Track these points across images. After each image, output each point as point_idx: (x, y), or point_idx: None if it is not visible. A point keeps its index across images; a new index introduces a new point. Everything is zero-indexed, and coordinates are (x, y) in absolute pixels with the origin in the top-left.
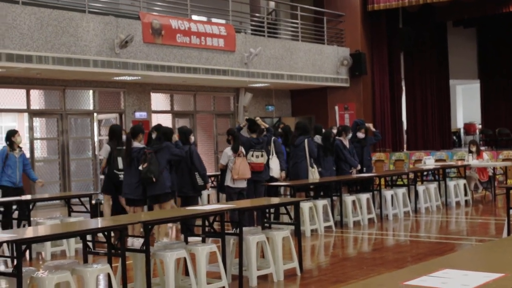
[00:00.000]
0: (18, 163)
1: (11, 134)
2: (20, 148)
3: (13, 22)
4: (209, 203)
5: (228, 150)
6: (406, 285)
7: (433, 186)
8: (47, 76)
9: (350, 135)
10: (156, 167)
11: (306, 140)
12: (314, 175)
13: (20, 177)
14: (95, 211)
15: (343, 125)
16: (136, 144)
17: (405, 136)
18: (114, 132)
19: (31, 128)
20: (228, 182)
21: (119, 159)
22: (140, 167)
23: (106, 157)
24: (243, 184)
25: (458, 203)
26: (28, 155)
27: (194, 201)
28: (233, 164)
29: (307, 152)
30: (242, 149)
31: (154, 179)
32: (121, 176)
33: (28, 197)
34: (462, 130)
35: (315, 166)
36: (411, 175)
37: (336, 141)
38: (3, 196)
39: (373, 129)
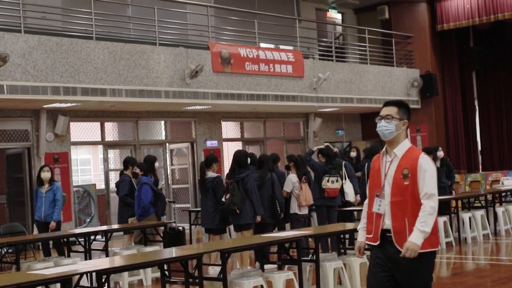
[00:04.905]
0: (44, 198)
1: (39, 171)
2: (51, 183)
3: (87, 57)
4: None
5: (292, 177)
6: None
7: None
8: (121, 108)
9: None
10: (239, 198)
11: (366, 164)
12: None
13: (47, 212)
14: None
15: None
16: (210, 173)
17: (480, 157)
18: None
19: (105, 160)
20: (295, 209)
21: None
22: (223, 199)
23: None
24: (307, 211)
25: None
26: (102, 186)
27: (269, 228)
28: (300, 191)
29: (366, 176)
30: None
31: (238, 211)
32: None
33: (104, 227)
34: None
35: None
36: (489, 197)
37: None
38: (38, 229)
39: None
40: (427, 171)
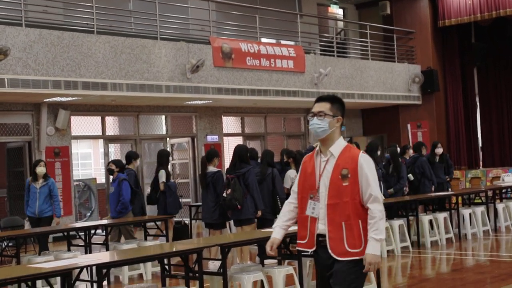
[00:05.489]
0: (38, 194)
1: (34, 165)
2: (46, 178)
3: (89, 51)
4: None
5: (291, 173)
6: None
7: None
8: (121, 102)
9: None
10: (240, 193)
11: None
12: None
13: (41, 207)
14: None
15: (420, 141)
16: (211, 168)
17: (480, 153)
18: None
19: (106, 154)
20: None
21: None
22: (224, 194)
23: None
24: None
25: None
26: (103, 180)
27: (270, 223)
28: None
29: None
30: None
31: (239, 206)
32: None
33: (104, 222)
34: None
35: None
36: (490, 193)
37: (422, 157)
38: (31, 225)
39: None
40: (369, 171)
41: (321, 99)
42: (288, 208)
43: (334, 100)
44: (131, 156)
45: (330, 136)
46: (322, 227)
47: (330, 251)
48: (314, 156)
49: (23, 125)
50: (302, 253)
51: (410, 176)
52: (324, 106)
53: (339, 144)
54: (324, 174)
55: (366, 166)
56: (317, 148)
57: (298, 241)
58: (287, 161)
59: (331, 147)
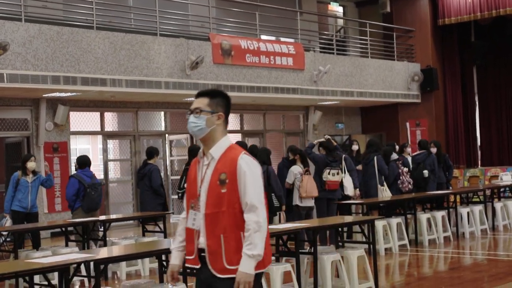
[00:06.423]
0: (30, 188)
1: (25, 160)
2: (36, 172)
3: (88, 47)
4: (280, 222)
5: (294, 168)
6: None
7: (511, 202)
8: (121, 98)
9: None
10: None
11: (375, 158)
12: (384, 193)
13: (33, 202)
14: None
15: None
16: None
17: (479, 152)
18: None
19: (105, 150)
20: (296, 201)
21: None
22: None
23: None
24: (311, 203)
25: None
26: (101, 176)
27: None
28: (301, 182)
29: (376, 169)
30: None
31: None
32: None
33: (103, 217)
34: None
35: (385, 183)
36: (488, 192)
37: (433, 154)
38: (14, 221)
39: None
40: (248, 175)
41: (199, 94)
42: (183, 226)
43: (214, 94)
44: (152, 152)
45: (210, 135)
46: (202, 240)
47: (210, 267)
48: (198, 159)
49: (21, 120)
50: (189, 270)
51: (426, 173)
52: (202, 102)
53: (221, 145)
54: (205, 179)
55: (245, 168)
56: (201, 150)
57: (187, 257)
58: (293, 159)
59: (211, 149)
